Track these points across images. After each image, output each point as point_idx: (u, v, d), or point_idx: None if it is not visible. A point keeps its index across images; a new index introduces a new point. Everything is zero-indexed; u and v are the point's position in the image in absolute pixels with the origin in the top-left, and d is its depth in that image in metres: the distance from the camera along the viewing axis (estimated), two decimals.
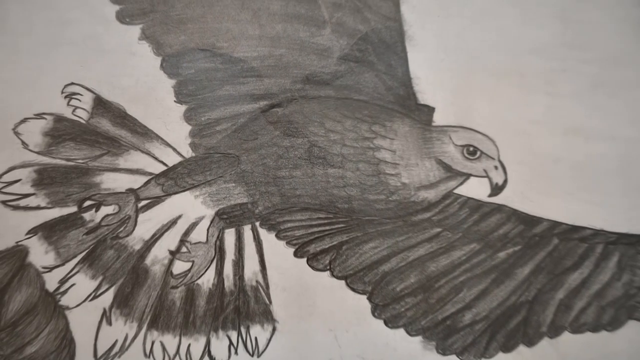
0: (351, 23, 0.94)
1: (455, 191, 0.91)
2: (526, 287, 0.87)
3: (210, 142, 0.89)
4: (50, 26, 0.90)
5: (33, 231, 0.81)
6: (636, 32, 1.03)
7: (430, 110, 0.94)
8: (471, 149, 0.89)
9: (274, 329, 0.82)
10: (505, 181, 0.90)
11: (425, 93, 0.95)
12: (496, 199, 0.91)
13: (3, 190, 0.82)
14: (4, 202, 0.82)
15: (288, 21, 0.93)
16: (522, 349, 0.86)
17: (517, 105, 0.97)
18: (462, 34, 0.99)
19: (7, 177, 0.83)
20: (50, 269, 0.80)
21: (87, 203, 0.83)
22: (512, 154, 0.93)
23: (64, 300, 0.79)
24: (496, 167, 0.89)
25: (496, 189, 0.89)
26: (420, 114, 0.93)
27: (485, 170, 0.89)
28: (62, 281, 0.80)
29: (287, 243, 0.86)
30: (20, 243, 0.80)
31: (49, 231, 0.82)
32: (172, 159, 0.87)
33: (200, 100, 0.90)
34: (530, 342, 0.86)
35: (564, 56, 0.99)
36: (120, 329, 0.79)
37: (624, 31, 1.02)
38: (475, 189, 0.91)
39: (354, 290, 0.85)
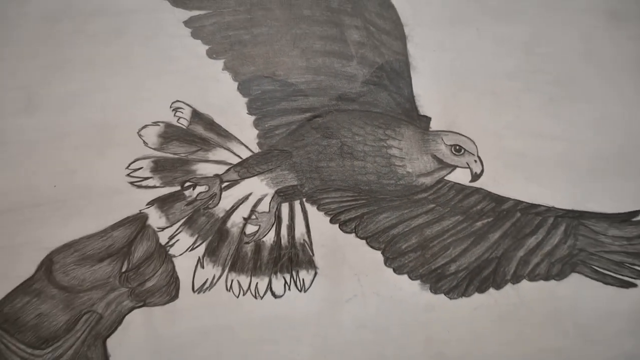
0: (371, 57, 1.02)
1: (446, 178, 0.99)
2: (496, 247, 0.95)
3: (271, 142, 0.96)
4: (161, 61, 0.98)
5: (151, 203, 0.89)
6: (584, 60, 1.12)
7: (428, 119, 1.02)
8: (457, 147, 0.97)
9: (315, 273, 0.91)
10: (482, 171, 0.98)
11: (425, 107, 1.03)
12: (475, 184, 0.98)
13: (130, 174, 0.91)
14: (131, 183, 0.90)
15: (326, 56, 1.01)
16: (492, 291, 0.93)
17: (492, 115, 1.05)
18: (451, 64, 1.08)
19: (133, 166, 0.91)
20: (163, 229, 0.88)
21: (187, 184, 0.91)
22: (488, 151, 1.00)
23: (172, 251, 0.87)
24: (476, 161, 0.97)
25: (475, 177, 0.98)
26: (420, 122, 1.01)
27: (467, 163, 0.97)
28: (170, 237, 0.88)
29: (325, 213, 0.94)
30: (142, 211, 0.88)
31: (162, 203, 0.90)
32: (245, 154, 0.96)
33: (264, 112, 0.97)
34: (498, 287, 0.93)
35: (528, 79, 1.08)
36: (209, 271, 0.87)
37: (573, 59, 1.12)
38: (460, 176, 0.99)
39: (372, 247, 0.93)
